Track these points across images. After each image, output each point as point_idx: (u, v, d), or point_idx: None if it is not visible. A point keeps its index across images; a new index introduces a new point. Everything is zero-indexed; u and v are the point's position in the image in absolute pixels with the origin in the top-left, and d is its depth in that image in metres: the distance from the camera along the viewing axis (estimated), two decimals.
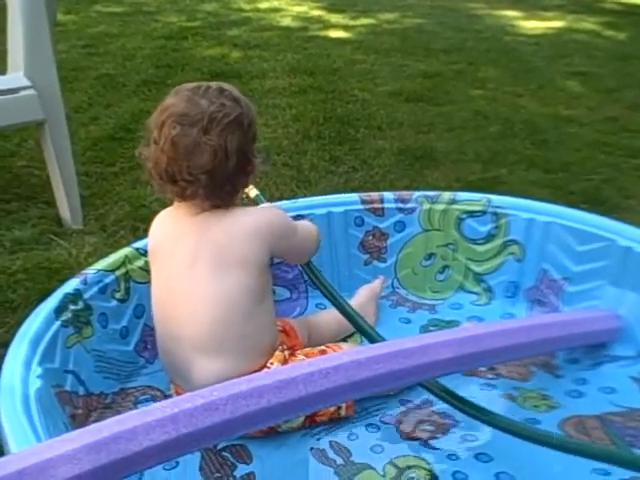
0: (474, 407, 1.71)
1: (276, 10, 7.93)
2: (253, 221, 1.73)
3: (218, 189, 1.69)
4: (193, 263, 1.70)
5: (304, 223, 2.02)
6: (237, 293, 1.69)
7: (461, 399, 1.72)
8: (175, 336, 1.73)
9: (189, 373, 1.70)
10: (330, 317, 2.14)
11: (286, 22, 7.30)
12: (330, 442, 1.76)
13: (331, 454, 1.72)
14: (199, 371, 1.68)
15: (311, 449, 1.74)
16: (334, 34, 6.82)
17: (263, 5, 8.16)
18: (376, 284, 2.34)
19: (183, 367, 1.73)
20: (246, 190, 2.18)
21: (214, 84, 1.72)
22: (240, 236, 1.70)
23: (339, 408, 1.80)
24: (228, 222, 1.72)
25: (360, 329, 1.91)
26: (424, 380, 1.72)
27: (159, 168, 1.67)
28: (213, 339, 1.69)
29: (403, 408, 1.88)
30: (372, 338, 1.85)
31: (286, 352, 1.83)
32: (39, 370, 1.61)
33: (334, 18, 7.58)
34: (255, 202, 2.16)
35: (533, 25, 7.66)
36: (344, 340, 2.17)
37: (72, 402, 1.73)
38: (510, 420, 1.66)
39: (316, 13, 7.84)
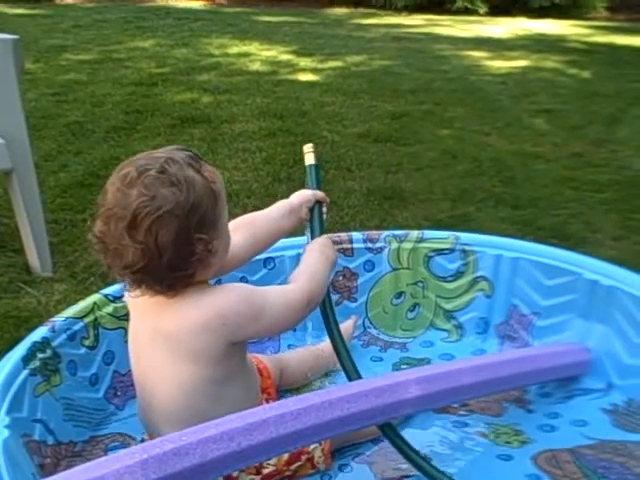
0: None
1: (245, 55, 8.02)
2: (201, 314, 1.52)
3: (155, 283, 1.50)
4: (152, 347, 1.59)
5: (285, 293, 1.68)
6: (197, 382, 1.58)
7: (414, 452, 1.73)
8: (147, 403, 1.67)
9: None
10: (301, 357, 2.15)
11: (255, 66, 7.38)
12: None
13: None
14: None
15: None
16: (303, 77, 6.91)
17: (232, 50, 8.25)
18: (348, 324, 2.33)
19: (156, 431, 1.66)
20: (305, 150, 2.06)
21: (158, 164, 1.46)
22: (187, 330, 1.53)
23: (317, 465, 1.78)
24: (178, 312, 1.54)
25: (344, 366, 1.83)
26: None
27: (102, 261, 1.52)
28: (180, 420, 1.58)
29: (376, 448, 1.87)
30: (351, 377, 1.81)
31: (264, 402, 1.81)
32: (6, 420, 1.59)
33: (303, 62, 7.67)
34: (307, 172, 2.03)
35: (499, 65, 7.81)
36: (317, 379, 2.17)
37: (41, 451, 1.70)
38: None
39: (285, 57, 7.93)
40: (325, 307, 1.86)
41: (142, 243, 1.42)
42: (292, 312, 1.65)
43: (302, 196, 1.96)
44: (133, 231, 1.42)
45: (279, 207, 1.93)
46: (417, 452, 1.74)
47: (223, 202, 1.57)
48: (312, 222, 1.94)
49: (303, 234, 2.01)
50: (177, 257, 1.46)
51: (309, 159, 2.04)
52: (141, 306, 1.61)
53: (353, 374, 1.81)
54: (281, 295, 1.65)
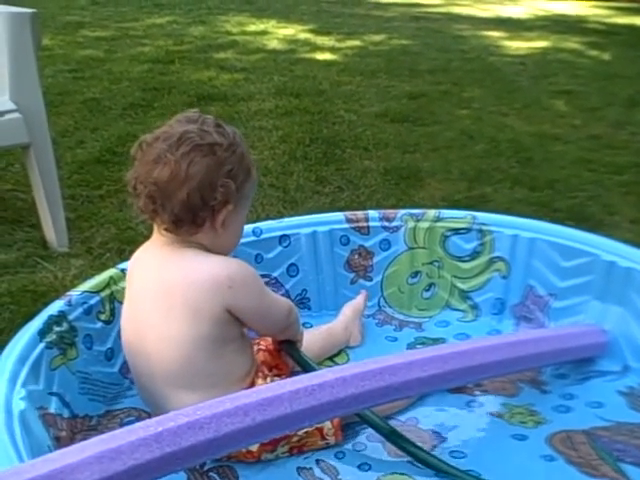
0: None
1: (263, 33, 7.98)
2: (212, 271, 1.63)
3: (165, 211, 1.59)
4: (155, 302, 1.66)
5: (277, 296, 1.87)
6: (196, 339, 1.63)
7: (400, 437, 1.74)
8: (146, 373, 1.71)
9: (168, 407, 1.64)
10: (315, 336, 2.13)
11: (273, 45, 7.35)
12: (317, 461, 1.75)
13: (318, 473, 1.71)
14: (177, 404, 1.60)
15: (298, 469, 1.73)
16: (320, 56, 6.87)
17: (250, 28, 8.22)
18: (359, 300, 2.33)
19: (160, 402, 1.70)
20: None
21: (217, 119, 1.69)
22: (195, 283, 1.62)
23: (327, 437, 1.79)
24: (187, 265, 1.64)
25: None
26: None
27: (129, 177, 1.64)
28: (182, 376, 1.66)
29: None
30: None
31: (269, 378, 1.82)
32: (23, 392, 1.60)
33: (320, 40, 7.63)
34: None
35: (518, 45, 7.74)
36: (331, 359, 2.17)
37: (56, 424, 1.71)
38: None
39: (303, 36, 7.89)
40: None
41: (176, 161, 1.57)
42: (281, 313, 1.80)
43: None
44: (173, 149, 1.58)
45: None
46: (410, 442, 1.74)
47: (250, 190, 1.73)
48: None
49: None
50: (197, 193, 1.58)
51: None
52: (147, 262, 1.72)
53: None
54: (275, 296, 1.85)
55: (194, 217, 1.61)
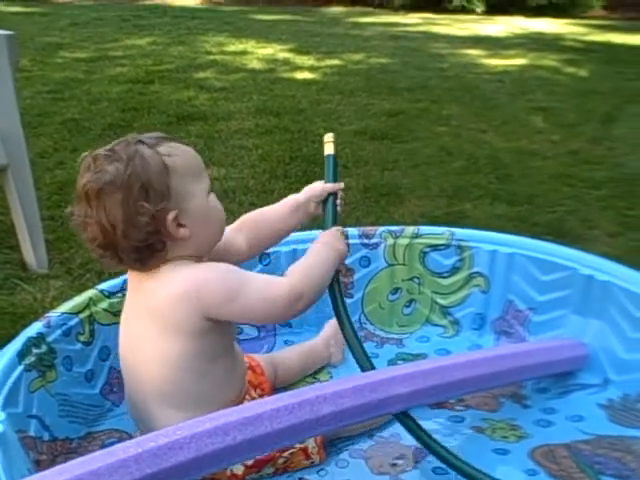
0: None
1: (243, 53, 8.01)
2: (180, 285, 1.57)
3: (125, 257, 1.56)
4: (138, 322, 1.64)
5: (267, 285, 1.64)
6: (182, 357, 1.60)
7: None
8: (134, 389, 1.70)
9: (157, 426, 1.60)
10: (297, 354, 2.14)
11: (252, 64, 7.38)
12: (300, 479, 1.74)
13: None
14: (166, 423, 1.52)
15: None
16: (300, 75, 6.90)
17: (230, 48, 8.25)
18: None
19: (150, 421, 1.67)
20: (325, 139, 2.02)
21: (110, 145, 1.58)
22: (167, 300, 1.57)
23: (311, 456, 1.77)
24: (159, 284, 1.59)
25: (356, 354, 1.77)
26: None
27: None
28: (170, 395, 1.64)
29: (372, 442, 1.86)
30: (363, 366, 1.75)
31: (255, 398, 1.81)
32: (2, 415, 1.58)
33: (300, 60, 7.67)
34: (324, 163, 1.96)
35: (496, 63, 7.82)
36: (313, 376, 2.17)
37: (36, 447, 1.70)
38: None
39: (282, 55, 7.93)
40: (335, 297, 1.82)
41: (97, 221, 1.52)
42: (271, 306, 1.63)
43: (310, 191, 1.95)
44: (88, 208, 1.53)
45: (285, 203, 1.94)
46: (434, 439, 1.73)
47: (184, 176, 1.57)
48: (325, 215, 1.90)
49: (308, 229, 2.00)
50: (130, 228, 1.51)
51: (328, 149, 2.00)
52: (131, 281, 1.69)
53: (365, 364, 1.76)
54: (264, 287, 1.63)
55: (150, 247, 1.56)
